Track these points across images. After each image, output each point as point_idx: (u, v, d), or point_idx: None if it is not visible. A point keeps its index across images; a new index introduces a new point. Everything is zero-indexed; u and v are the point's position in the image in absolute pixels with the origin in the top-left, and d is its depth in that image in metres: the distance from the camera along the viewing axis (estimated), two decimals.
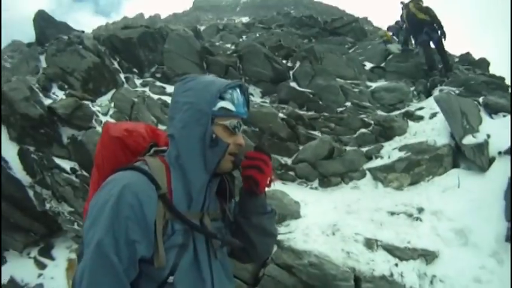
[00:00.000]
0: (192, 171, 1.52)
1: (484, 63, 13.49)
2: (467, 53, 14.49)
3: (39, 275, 6.11)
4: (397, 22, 14.94)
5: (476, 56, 14.24)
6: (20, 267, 6.24)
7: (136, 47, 11.00)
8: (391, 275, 4.52)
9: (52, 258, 6.37)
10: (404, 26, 12.65)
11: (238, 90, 1.62)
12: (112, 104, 8.00)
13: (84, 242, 1.36)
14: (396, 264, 4.67)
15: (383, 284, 4.45)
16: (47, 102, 7.22)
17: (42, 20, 12.93)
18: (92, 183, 1.71)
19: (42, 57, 9.83)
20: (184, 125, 1.54)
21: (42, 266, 6.26)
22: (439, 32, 11.17)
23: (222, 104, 1.56)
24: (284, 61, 11.50)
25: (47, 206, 6.51)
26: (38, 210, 6.46)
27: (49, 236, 6.68)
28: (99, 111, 7.51)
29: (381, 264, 4.64)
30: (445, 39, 11.19)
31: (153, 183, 1.43)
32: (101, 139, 1.73)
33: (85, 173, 6.69)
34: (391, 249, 4.86)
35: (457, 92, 9.03)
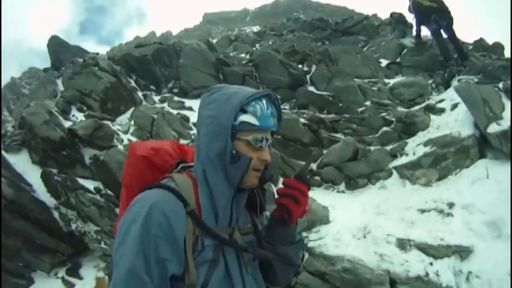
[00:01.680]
0: (215, 187, 1.48)
1: (498, 48, 13.19)
2: (481, 39, 14.14)
3: None
4: (391, 14, 14.86)
5: (490, 40, 14.02)
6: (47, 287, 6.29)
7: (151, 64, 11.12)
8: (427, 274, 4.37)
9: (80, 278, 6.43)
10: (414, 18, 12.40)
11: (264, 101, 1.50)
12: (132, 122, 8.07)
13: (113, 261, 1.34)
14: (431, 263, 4.52)
15: (419, 284, 4.30)
16: (67, 124, 7.33)
17: (56, 45, 13.23)
18: (122, 203, 1.69)
19: (59, 81, 10.02)
20: (206, 139, 1.49)
21: (70, 285, 6.33)
22: (447, 18, 10.89)
23: (243, 117, 1.46)
24: (300, 66, 11.41)
25: (73, 226, 6.60)
26: (64, 231, 6.56)
27: (76, 255, 6.77)
28: (119, 130, 7.58)
29: (415, 264, 4.49)
30: (452, 24, 10.90)
31: (180, 200, 1.40)
32: (127, 159, 1.69)
33: (109, 192, 6.74)
34: (424, 248, 4.70)
35: (475, 80, 8.73)
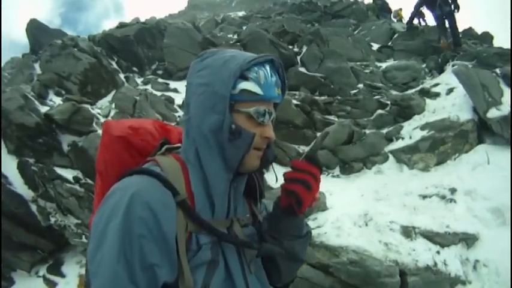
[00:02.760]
0: (210, 170, 1.25)
1: (487, 37, 13.59)
2: (470, 28, 14.54)
3: None
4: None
5: (478, 30, 14.51)
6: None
7: (134, 44, 10.76)
8: (435, 264, 4.21)
9: (62, 275, 6.14)
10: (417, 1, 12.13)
11: (267, 67, 1.27)
12: (113, 105, 7.73)
13: (90, 270, 1.10)
14: (438, 252, 4.37)
15: (428, 275, 4.12)
16: (44, 109, 6.95)
17: (35, 29, 12.69)
18: (96, 194, 1.45)
19: (37, 65, 9.57)
20: (198, 112, 1.25)
21: (52, 284, 6.04)
22: (451, 5, 10.77)
23: (243, 85, 1.22)
24: (290, 46, 11.19)
25: (52, 220, 6.27)
26: (42, 226, 6.22)
27: (57, 252, 6.45)
28: (99, 114, 7.25)
29: (422, 253, 4.32)
30: (457, 12, 10.81)
31: (168, 188, 1.16)
32: (101, 141, 1.44)
33: (89, 181, 6.42)
34: (430, 236, 4.54)
35: (470, 65, 8.77)
